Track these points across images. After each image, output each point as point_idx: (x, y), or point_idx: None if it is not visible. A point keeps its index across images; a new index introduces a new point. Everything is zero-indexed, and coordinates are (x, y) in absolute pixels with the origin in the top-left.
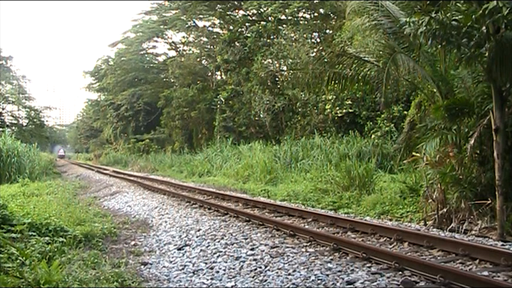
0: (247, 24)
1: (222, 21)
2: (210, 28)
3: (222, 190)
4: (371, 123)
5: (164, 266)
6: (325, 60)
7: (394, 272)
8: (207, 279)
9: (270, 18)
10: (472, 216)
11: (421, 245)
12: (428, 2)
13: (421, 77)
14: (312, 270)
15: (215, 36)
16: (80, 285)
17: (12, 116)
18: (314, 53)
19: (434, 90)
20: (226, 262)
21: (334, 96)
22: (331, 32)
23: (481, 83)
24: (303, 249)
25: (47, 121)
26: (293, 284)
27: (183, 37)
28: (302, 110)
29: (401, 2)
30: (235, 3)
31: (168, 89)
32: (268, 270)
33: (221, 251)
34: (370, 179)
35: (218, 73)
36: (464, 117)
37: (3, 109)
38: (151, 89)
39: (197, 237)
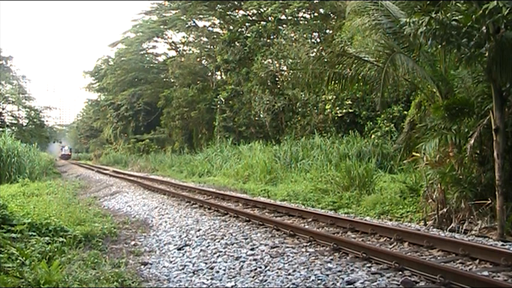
0: (247, 24)
1: (222, 21)
2: (210, 28)
3: (222, 190)
4: (371, 123)
5: (164, 266)
6: (325, 60)
7: (394, 272)
8: (207, 279)
9: (270, 18)
10: (472, 216)
11: (421, 245)
12: (428, 2)
13: (421, 77)
14: (312, 270)
15: (215, 36)
16: (80, 285)
17: (12, 116)
18: (314, 53)
19: (434, 90)
20: (226, 262)
21: (334, 96)
22: (331, 32)
23: (481, 83)
24: (303, 249)
25: (47, 121)
26: (293, 284)
27: (183, 37)
28: (302, 110)
29: (401, 2)
30: (235, 3)
31: (168, 89)
32: (268, 270)
33: (221, 251)
34: (370, 179)
35: (218, 73)
36: (464, 117)
37: (3, 109)
38: (151, 89)
39: (197, 237)
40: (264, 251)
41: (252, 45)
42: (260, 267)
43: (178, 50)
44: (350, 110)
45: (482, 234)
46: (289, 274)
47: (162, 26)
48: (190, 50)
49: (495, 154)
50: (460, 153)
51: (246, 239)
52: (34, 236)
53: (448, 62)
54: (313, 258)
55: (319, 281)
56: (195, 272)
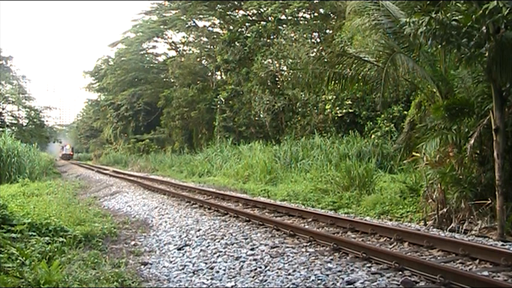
0: (247, 24)
1: (222, 21)
2: (210, 28)
3: (222, 190)
4: (371, 123)
5: (164, 266)
6: (325, 60)
7: (394, 272)
8: (207, 279)
9: (270, 18)
10: (472, 216)
11: (421, 245)
12: (428, 2)
13: (421, 77)
14: (312, 270)
15: (215, 36)
16: (80, 285)
17: (12, 116)
18: (314, 53)
19: (434, 90)
20: (226, 262)
21: (334, 96)
22: (331, 32)
23: (481, 83)
24: (303, 249)
25: (47, 121)
26: (293, 284)
27: (183, 37)
28: (302, 110)
29: (401, 2)
30: (235, 3)
31: (168, 89)
32: (268, 270)
33: (221, 251)
34: (370, 179)
35: (218, 73)
36: (464, 117)
37: (3, 109)
38: (151, 89)
39: (197, 237)
40: (264, 251)
41: (252, 45)
42: (260, 267)
43: (178, 50)
44: (350, 110)
45: (482, 234)
46: (289, 274)
47: (162, 26)
48: (190, 50)
49: (495, 154)
50: (460, 153)
51: (246, 239)
52: (34, 236)
53: (448, 62)
54: (313, 258)
55: (319, 281)
56: (195, 272)
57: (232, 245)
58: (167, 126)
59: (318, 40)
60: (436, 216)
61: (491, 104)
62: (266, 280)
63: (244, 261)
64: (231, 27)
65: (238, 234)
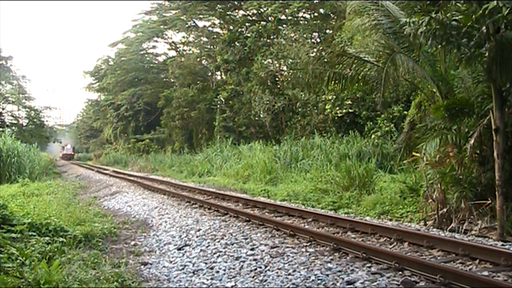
0: (247, 24)
1: (222, 21)
2: (210, 28)
3: (222, 190)
4: (371, 123)
5: (164, 266)
6: (325, 60)
7: (394, 272)
8: (207, 279)
9: (270, 18)
10: (472, 216)
11: (421, 245)
12: (428, 2)
13: (421, 77)
14: (312, 270)
15: (215, 36)
16: (80, 285)
17: (12, 116)
18: (314, 53)
19: (434, 90)
20: (226, 262)
21: (334, 96)
22: (331, 32)
23: (481, 83)
24: (303, 249)
25: (47, 121)
26: (293, 284)
27: (183, 37)
28: (302, 110)
29: (401, 2)
30: (235, 3)
31: (168, 89)
32: (268, 270)
33: (221, 251)
34: (370, 179)
35: (218, 73)
36: (464, 117)
37: (3, 109)
38: (151, 89)
39: (197, 237)
40: (264, 251)
41: (252, 45)
42: (260, 267)
43: (178, 50)
44: (350, 110)
45: (482, 234)
46: (289, 274)
47: (162, 26)
48: (190, 50)
49: (495, 154)
50: (460, 153)
51: (246, 239)
52: (34, 236)
53: (448, 62)
54: (313, 258)
55: (319, 281)
56: (195, 272)
57: (232, 245)
58: (167, 126)
59: (318, 40)
60: (436, 216)
61: (491, 104)
62: (266, 280)
63: (244, 261)
64: (231, 27)
65: (238, 234)
